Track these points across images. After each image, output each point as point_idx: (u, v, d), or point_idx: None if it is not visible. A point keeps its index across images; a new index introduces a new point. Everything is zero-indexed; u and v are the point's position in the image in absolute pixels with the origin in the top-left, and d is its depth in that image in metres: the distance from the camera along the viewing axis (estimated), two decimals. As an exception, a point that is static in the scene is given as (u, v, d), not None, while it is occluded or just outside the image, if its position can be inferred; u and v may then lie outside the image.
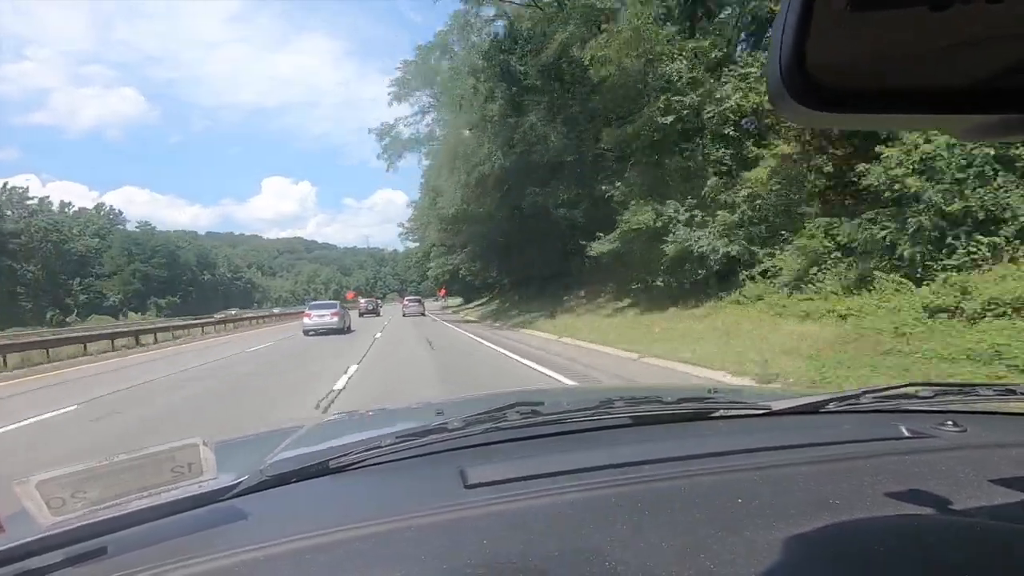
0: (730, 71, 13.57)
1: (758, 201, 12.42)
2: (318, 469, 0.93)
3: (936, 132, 7.43)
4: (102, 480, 0.73)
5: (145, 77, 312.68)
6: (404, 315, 36.41)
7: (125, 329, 23.16)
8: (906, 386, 1.20)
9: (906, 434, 0.98)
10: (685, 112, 14.01)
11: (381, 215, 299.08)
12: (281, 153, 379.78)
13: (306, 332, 20.35)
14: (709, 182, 13.54)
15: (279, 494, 0.88)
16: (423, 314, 37.36)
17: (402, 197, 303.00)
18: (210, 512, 0.78)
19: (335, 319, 20.52)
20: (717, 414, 1.17)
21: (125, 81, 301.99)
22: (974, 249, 8.06)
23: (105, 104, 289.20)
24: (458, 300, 63.76)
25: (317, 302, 24.98)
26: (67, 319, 64.00)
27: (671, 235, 13.64)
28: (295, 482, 0.91)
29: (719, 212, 12.99)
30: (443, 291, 62.14)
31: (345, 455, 0.95)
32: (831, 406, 1.15)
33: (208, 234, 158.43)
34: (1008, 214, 7.93)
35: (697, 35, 15.14)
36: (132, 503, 0.71)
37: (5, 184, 68.50)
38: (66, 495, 0.68)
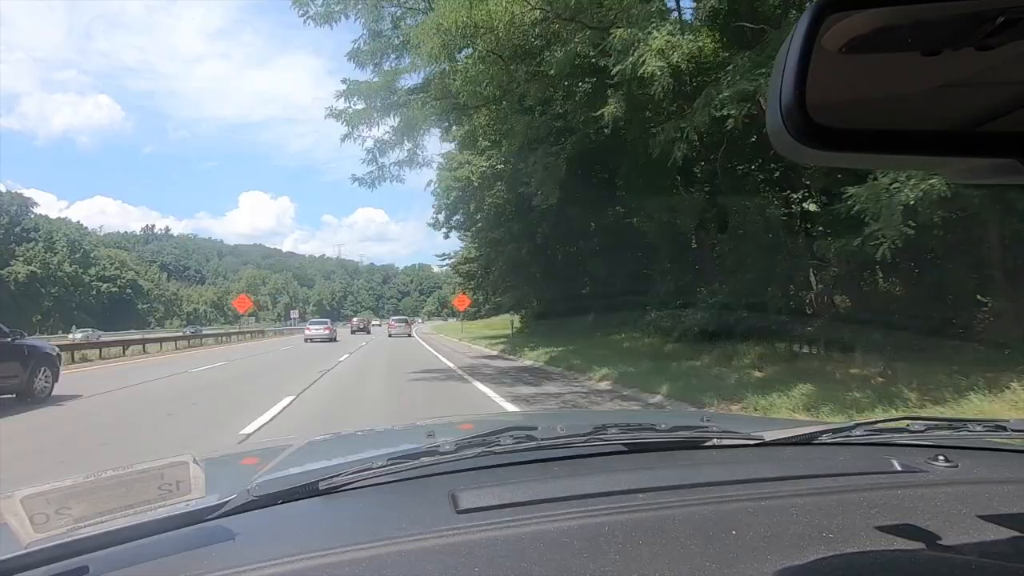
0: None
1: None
2: (307, 490, 0.91)
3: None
4: (88, 496, 0.70)
5: (121, 87, 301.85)
6: (390, 335, 35.21)
7: None
8: (898, 419, 1.22)
9: (898, 468, 0.98)
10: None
11: (361, 233, 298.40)
12: (260, 168, 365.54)
13: (306, 340, 29.73)
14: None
15: (267, 515, 0.85)
16: (409, 335, 35.87)
17: (382, 215, 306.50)
18: (195, 532, 0.76)
19: (327, 332, 30.87)
20: (711, 443, 1.18)
21: (100, 88, 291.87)
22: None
23: (78, 111, 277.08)
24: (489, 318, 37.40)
25: (315, 319, 35.00)
26: None
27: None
28: (283, 503, 0.88)
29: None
30: (463, 300, 35.96)
31: (335, 476, 0.93)
32: (824, 438, 1.15)
33: (111, 233, 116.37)
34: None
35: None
36: (117, 520, 0.69)
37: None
38: (50, 511, 0.66)
